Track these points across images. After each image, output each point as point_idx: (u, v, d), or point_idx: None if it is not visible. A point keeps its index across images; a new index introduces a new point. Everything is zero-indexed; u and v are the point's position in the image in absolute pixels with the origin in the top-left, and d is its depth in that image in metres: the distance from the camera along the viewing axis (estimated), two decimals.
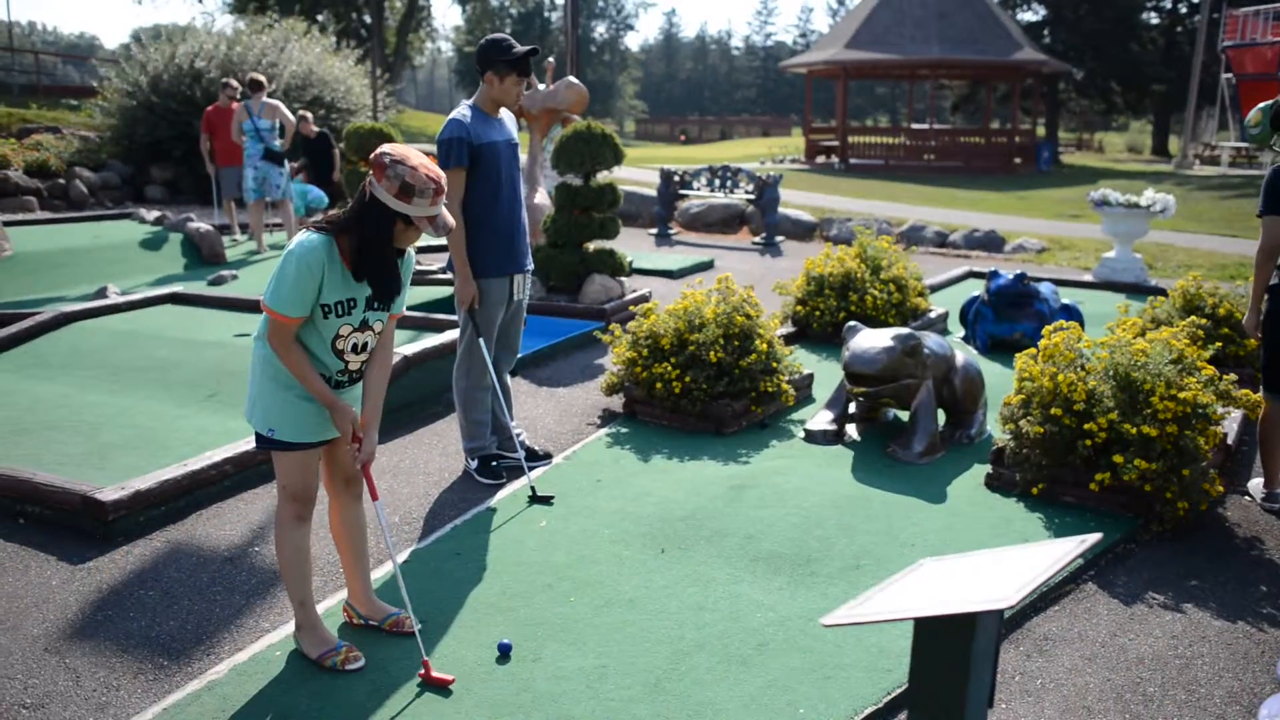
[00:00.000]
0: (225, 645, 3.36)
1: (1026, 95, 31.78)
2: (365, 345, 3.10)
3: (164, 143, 16.38)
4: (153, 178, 16.74)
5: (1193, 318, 5.25)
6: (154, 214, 12.18)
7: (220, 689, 3.07)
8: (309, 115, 13.18)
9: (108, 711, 2.99)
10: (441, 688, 3.08)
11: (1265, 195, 4.48)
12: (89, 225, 11.74)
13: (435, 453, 5.22)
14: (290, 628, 3.37)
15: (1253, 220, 15.85)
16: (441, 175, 2.93)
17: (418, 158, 2.90)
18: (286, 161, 11.36)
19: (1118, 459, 4.22)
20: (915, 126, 34.07)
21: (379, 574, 3.81)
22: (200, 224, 11.23)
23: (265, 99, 11.10)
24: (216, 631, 3.44)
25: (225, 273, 9.76)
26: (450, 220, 2.97)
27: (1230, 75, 26.98)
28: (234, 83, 11.84)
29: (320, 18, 34.89)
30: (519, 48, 4.50)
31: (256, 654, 3.26)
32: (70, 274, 9.42)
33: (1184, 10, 38.85)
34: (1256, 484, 4.81)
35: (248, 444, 4.73)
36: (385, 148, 2.93)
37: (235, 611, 3.58)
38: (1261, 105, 4.91)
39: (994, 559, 2.03)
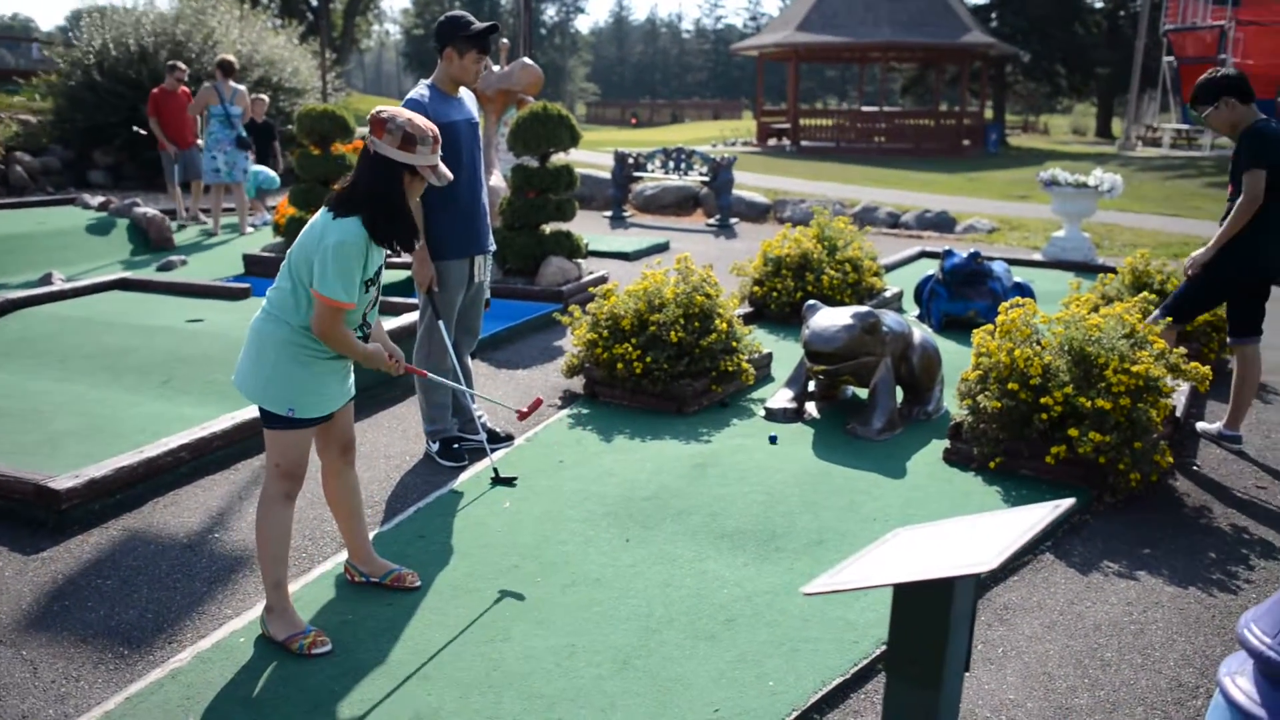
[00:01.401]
0: (188, 632, 3.31)
1: (974, 78, 32.11)
2: (377, 301, 3.27)
3: (107, 126, 15.95)
4: (96, 162, 16.33)
5: (1143, 294, 5.35)
6: (98, 199, 11.90)
7: (184, 676, 3.03)
8: (265, 99, 12.98)
9: (68, 702, 2.94)
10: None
11: (1250, 152, 4.69)
12: (31, 211, 11.44)
13: (396, 436, 5.17)
14: (254, 614, 3.34)
15: (1194, 201, 16.23)
16: (434, 126, 3.10)
17: (409, 112, 3.09)
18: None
19: (1073, 432, 4.30)
20: (865, 109, 34.26)
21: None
22: (147, 209, 10.99)
23: (234, 84, 10.94)
24: (178, 619, 3.39)
25: (174, 258, 9.58)
26: (448, 171, 3.13)
27: (1171, 58, 27.46)
28: (182, 65, 11.59)
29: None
30: (478, 24, 4.46)
31: (220, 640, 3.22)
32: (13, 261, 9.17)
33: None
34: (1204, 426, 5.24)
35: (204, 430, 4.66)
36: (378, 109, 3.10)
37: (196, 599, 3.53)
38: None
39: (968, 526, 2.06)
